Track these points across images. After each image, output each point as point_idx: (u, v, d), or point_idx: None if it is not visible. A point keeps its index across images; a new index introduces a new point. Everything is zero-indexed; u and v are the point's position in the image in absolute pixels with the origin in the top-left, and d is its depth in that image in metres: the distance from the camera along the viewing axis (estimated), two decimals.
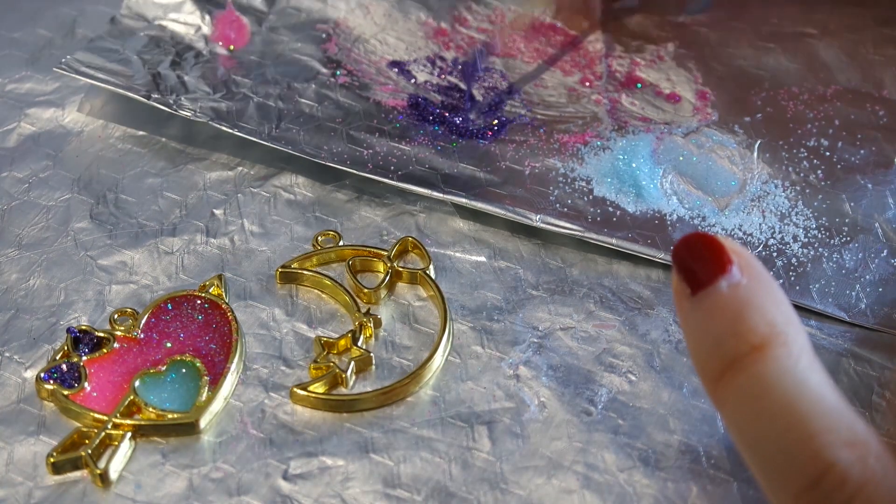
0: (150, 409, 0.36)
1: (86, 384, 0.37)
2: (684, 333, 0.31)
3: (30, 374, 0.38)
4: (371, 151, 0.45)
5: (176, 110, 0.46)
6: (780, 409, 0.28)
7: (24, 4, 0.55)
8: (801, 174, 0.45)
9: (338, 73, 0.49)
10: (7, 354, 0.39)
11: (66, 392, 0.37)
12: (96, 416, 0.36)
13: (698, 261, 0.31)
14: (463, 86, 0.49)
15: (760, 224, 0.43)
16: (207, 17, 0.51)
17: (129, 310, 0.40)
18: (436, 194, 0.44)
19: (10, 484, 0.35)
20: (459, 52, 0.51)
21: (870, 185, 0.45)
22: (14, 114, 0.49)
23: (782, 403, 0.28)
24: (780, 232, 0.43)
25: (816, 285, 0.41)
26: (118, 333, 0.39)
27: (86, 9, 0.54)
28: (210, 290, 0.40)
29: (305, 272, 0.41)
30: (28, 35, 0.53)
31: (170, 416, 0.36)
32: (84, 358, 0.38)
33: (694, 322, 0.31)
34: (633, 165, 0.45)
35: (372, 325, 0.39)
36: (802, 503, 0.28)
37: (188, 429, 0.36)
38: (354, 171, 0.44)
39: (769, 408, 0.28)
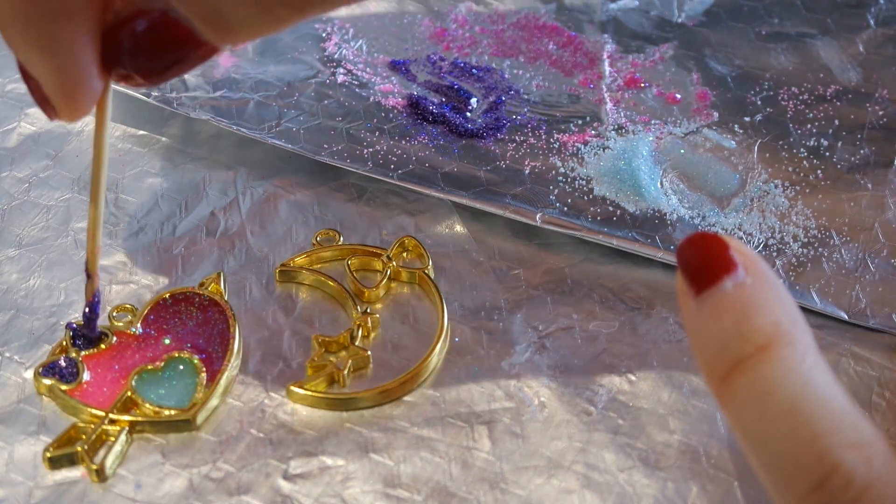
0: (147, 406, 0.36)
1: (83, 379, 0.37)
2: (689, 334, 0.31)
3: (30, 375, 0.38)
4: (371, 150, 0.45)
5: (176, 109, 0.46)
6: (785, 409, 0.28)
7: None
8: (801, 174, 0.45)
9: (338, 71, 0.49)
10: (7, 354, 0.39)
11: (63, 387, 0.37)
12: (93, 411, 0.36)
13: (702, 261, 0.30)
14: (462, 86, 0.49)
15: (760, 224, 0.43)
16: None
17: (128, 306, 0.40)
18: (436, 193, 0.44)
19: (10, 484, 0.35)
20: (459, 52, 0.51)
21: (870, 185, 0.45)
22: (14, 114, 0.49)
23: (788, 404, 0.28)
24: (780, 232, 0.43)
25: (816, 285, 0.41)
26: (117, 329, 0.39)
27: None
28: (209, 288, 0.40)
29: (305, 271, 0.41)
30: None
31: (166, 412, 0.36)
32: (82, 353, 0.38)
33: (699, 323, 0.30)
34: (633, 165, 0.45)
35: (371, 324, 0.39)
36: None
37: (184, 425, 0.36)
38: (354, 170, 0.44)
39: (774, 408, 0.28)
